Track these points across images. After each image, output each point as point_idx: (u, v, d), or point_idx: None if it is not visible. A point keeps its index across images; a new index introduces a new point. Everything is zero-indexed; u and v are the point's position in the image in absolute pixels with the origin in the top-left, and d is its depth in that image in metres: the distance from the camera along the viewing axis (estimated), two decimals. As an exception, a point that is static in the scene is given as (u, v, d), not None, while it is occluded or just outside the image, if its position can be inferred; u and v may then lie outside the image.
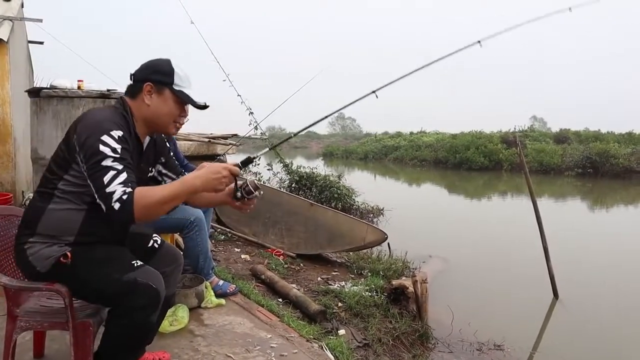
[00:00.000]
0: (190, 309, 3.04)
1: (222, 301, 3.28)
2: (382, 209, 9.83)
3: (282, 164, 8.85)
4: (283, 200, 5.60)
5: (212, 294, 3.27)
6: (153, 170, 2.13)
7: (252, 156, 1.92)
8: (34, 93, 4.61)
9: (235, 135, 6.62)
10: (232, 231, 5.49)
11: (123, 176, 1.66)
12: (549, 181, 19.83)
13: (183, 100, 1.93)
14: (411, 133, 38.62)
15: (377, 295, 4.23)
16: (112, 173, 1.65)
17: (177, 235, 4.16)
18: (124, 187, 1.64)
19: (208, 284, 3.31)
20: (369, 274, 4.98)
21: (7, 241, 2.18)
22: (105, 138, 1.70)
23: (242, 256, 4.76)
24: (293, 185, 8.55)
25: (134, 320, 1.83)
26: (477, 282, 6.05)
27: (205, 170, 1.77)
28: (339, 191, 8.55)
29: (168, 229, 3.33)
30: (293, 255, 5.03)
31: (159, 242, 2.17)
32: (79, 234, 1.82)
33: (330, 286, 4.29)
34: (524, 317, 5.01)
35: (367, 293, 4.20)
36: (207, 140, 5.98)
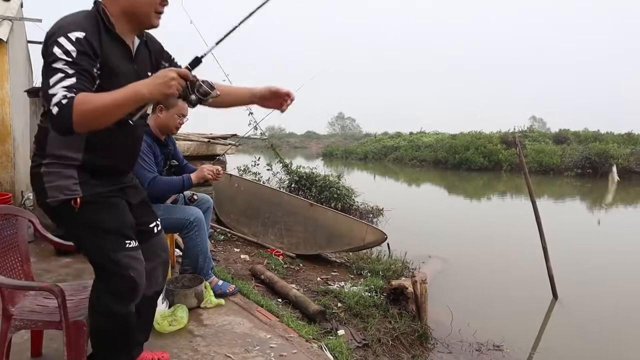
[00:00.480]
0: (190, 309, 3.04)
1: (222, 301, 3.28)
2: (382, 209, 9.83)
3: (281, 164, 8.85)
4: (282, 200, 5.61)
5: (212, 294, 3.27)
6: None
7: (199, 55, 1.69)
8: (34, 93, 4.61)
9: (235, 135, 6.62)
10: (231, 231, 5.50)
11: (70, 81, 1.53)
12: (549, 181, 19.84)
13: None
14: (411, 133, 38.64)
15: (376, 295, 4.23)
16: (59, 76, 1.53)
17: (176, 236, 4.16)
18: (66, 91, 1.51)
19: (207, 284, 3.31)
20: (369, 274, 4.99)
21: (5, 241, 2.18)
22: (61, 40, 1.57)
23: (242, 256, 4.76)
24: (293, 185, 8.56)
25: (110, 309, 1.83)
26: (476, 282, 6.05)
27: (151, 77, 1.62)
28: (338, 191, 8.56)
29: (167, 229, 3.32)
30: (292, 256, 5.03)
31: (159, 228, 2.14)
32: (86, 150, 1.77)
33: (329, 286, 4.30)
34: (523, 317, 5.01)
35: (366, 293, 4.20)
36: (206, 140, 5.98)
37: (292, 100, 1.98)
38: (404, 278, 4.84)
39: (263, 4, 1.81)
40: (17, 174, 6.10)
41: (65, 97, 1.50)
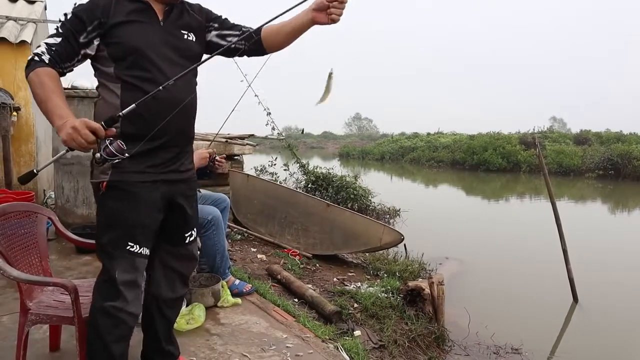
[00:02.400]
0: (207, 308, 3.07)
1: (239, 300, 3.30)
2: (399, 210, 9.78)
3: (298, 165, 8.87)
4: (299, 200, 5.61)
5: (229, 293, 3.29)
6: (190, 36, 1.89)
7: (115, 115, 1.59)
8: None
9: (252, 135, 6.66)
10: (248, 231, 5.52)
11: (54, 40, 1.65)
12: (569, 183, 19.51)
13: None
14: (428, 134, 38.35)
15: (393, 296, 4.21)
16: (52, 33, 1.68)
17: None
18: (46, 49, 1.63)
19: (224, 283, 3.34)
20: (385, 275, 4.96)
21: (25, 238, 2.22)
22: (72, 11, 1.70)
23: (259, 256, 4.78)
24: (309, 185, 8.56)
25: (94, 301, 1.80)
26: (494, 284, 5.98)
27: (70, 121, 1.52)
28: (355, 192, 8.53)
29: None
30: (309, 256, 5.04)
31: (192, 238, 2.03)
32: (122, 123, 1.65)
33: (346, 287, 4.29)
34: (542, 320, 4.94)
35: (383, 294, 4.18)
36: (224, 140, 6.02)
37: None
38: (420, 279, 4.81)
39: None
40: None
41: (40, 55, 1.62)
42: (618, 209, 13.70)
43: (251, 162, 8.69)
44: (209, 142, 5.93)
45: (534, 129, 31.94)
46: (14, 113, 5.59)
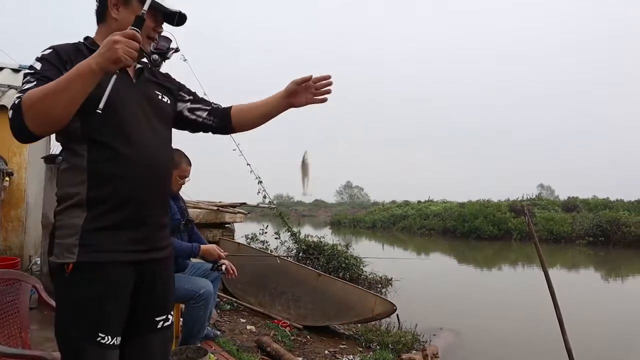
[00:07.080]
0: (193, 383, 2.94)
1: (226, 375, 3.17)
2: (391, 279, 9.67)
3: (289, 233, 8.84)
4: (290, 270, 5.55)
5: (216, 366, 3.18)
6: (165, 99, 1.75)
7: (140, 13, 1.45)
8: (50, 160, 4.76)
9: (244, 203, 6.69)
10: (238, 301, 5.41)
11: (29, 86, 1.40)
12: (561, 250, 19.53)
13: (152, 7, 1.56)
14: (419, 202, 38.67)
15: (386, 370, 4.08)
16: (22, 87, 1.42)
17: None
18: (20, 93, 1.38)
19: (212, 355, 3.23)
20: (378, 347, 4.85)
21: (6, 307, 2.16)
22: (33, 62, 1.49)
23: (248, 327, 4.65)
24: (300, 254, 8.49)
25: None
26: (489, 355, 5.81)
27: (99, 51, 1.38)
28: (346, 261, 8.47)
29: (175, 299, 3.29)
30: (300, 327, 4.92)
31: (166, 324, 1.68)
32: (89, 182, 1.48)
33: (337, 360, 4.16)
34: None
35: (376, 368, 4.05)
36: (215, 208, 6.04)
37: (319, 80, 1.73)
38: (414, 351, 4.69)
39: None
40: (27, 238, 6.15)
41: (18, 97, 1.37)
42: (611, 277, 13.65)
43: (242, 230, 8.65)
44: (200, 210, 5.94)
45: (522, 197, 32.36)
46: (7, 178, 5.61)
